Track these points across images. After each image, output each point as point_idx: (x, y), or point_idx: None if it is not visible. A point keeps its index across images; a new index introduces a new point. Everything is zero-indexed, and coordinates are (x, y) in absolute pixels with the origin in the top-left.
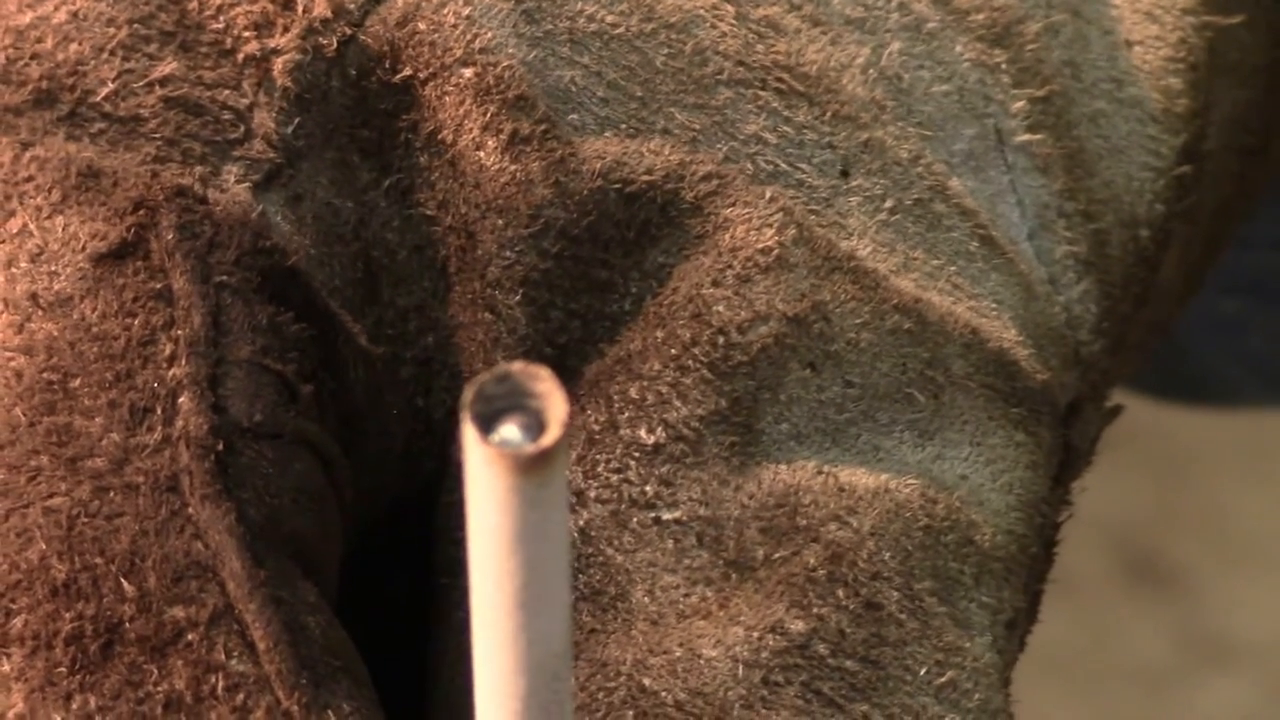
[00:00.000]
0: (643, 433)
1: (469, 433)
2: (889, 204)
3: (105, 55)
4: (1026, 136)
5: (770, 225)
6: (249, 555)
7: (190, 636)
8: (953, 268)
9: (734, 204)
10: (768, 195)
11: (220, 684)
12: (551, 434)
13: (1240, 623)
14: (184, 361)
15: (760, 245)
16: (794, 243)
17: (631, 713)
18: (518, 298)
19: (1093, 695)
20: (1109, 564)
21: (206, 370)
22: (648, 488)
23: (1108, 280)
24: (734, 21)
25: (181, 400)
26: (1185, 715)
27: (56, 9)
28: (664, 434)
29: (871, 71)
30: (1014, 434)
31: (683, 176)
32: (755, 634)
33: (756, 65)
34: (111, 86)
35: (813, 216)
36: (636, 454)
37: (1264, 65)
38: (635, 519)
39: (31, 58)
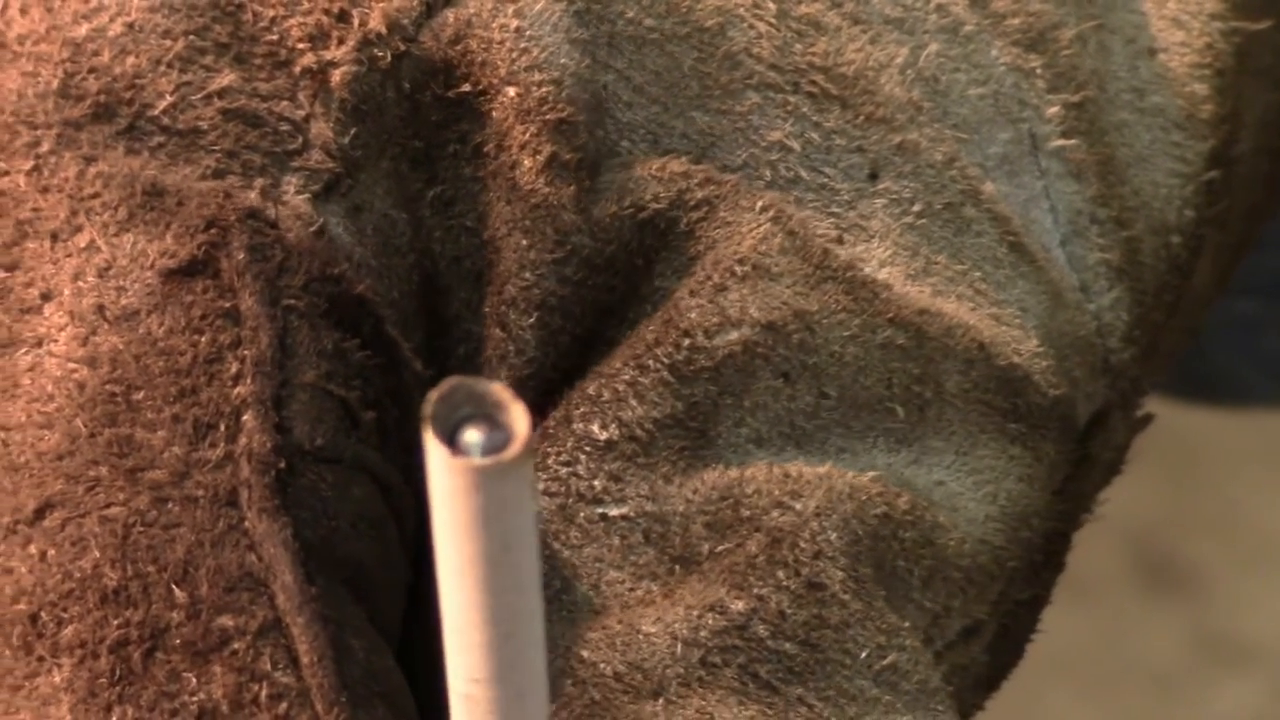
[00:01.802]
0: (595, 428)
1: (433, 448)
2: (917, 207)
3: (162, 68)
4: (1060, 142)
5: (753, 235)
6: (301, 571)
7: (237, 645)
8: (977, 273)
9: (720, 223)
10: (759, 205)
11: (264, 693)
12: (518, 438)
13: (1254, 624)
14: (250, 381)
15: (739, 255)
16: (779, 251)
17: (569, 682)
18: (531, 320)
19: (1106, 696)
20: (1123, 565)
21: (271, 391)
22: (596, 482)
23: (1139, 288)
24: (774, 20)
25: (245, 418)
26: (1199, 716)
27: (112, 20)
28: (617, 431)
29: (909, 72)
30: (1008, 448)
31: (682, 204)
32: (695, 613)
33: (790, 68)
34: (170, 99)
35: (819, 223)
36: (588, 449)
37: None
38: (582, 514)
39: (89, 71)
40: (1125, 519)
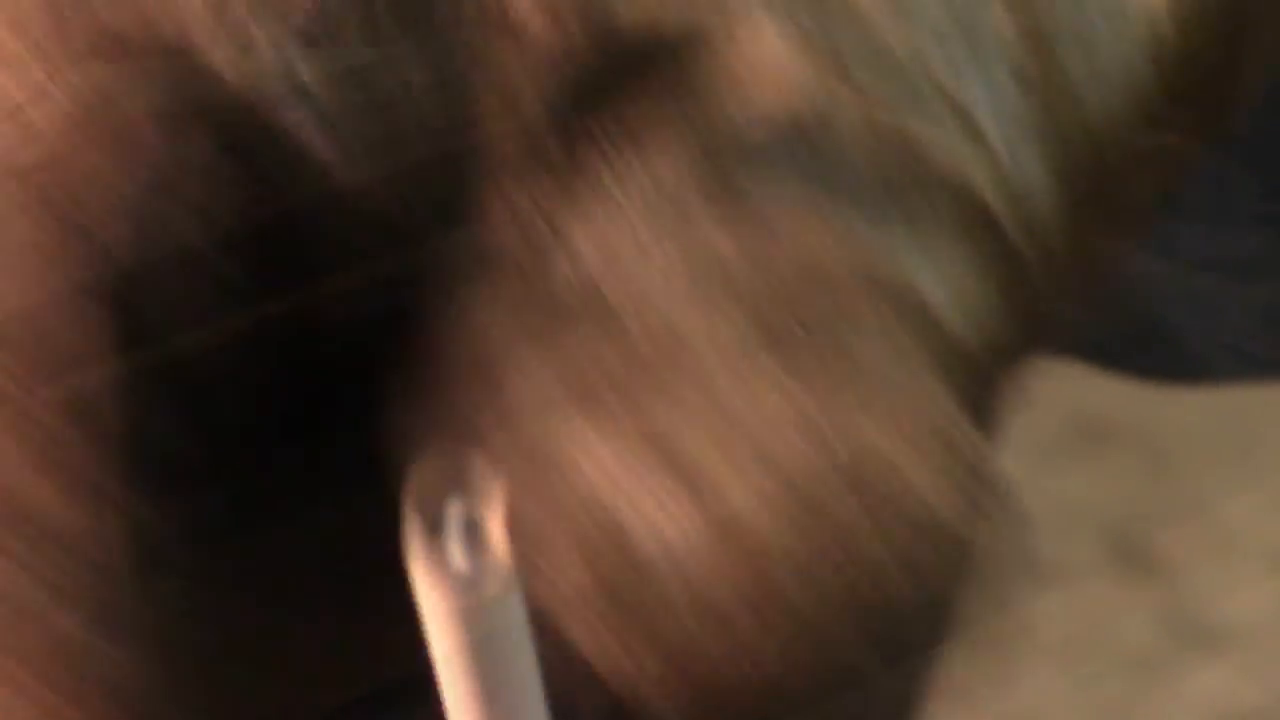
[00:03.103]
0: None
1: (417, 555)
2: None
3: None
4: (1015, 59)
5: (771, 42)
6: None
7: None
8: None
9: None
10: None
11: None
12: (498, 557)
13: (1224, 608)
14: None
15: (759, 55)
16: (795, 54)
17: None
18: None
19: (1080, 679)
20: (1095, 551)
21: None
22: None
23: (1067, 174)
24: None
25: None
26: (1171, 698)
27: None
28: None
29: None
30: (963, 246)
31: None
32: None
33: None
34: None
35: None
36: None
37: None
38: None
39: None
40: (1097, 506)
